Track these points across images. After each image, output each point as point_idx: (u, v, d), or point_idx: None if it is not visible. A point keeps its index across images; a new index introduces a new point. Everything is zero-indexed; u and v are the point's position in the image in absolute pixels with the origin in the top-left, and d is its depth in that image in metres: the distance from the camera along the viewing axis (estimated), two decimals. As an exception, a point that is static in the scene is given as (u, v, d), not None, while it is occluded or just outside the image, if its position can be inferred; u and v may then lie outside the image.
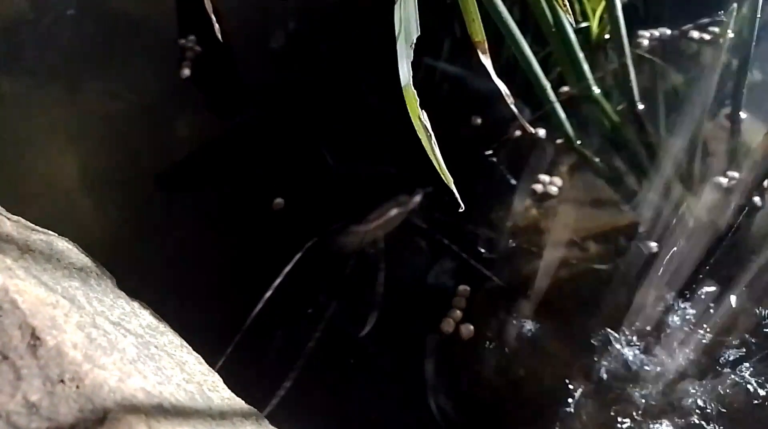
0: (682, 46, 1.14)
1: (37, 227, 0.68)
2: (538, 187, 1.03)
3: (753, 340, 0.85)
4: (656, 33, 1.17)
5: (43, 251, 0.64)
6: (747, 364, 0.83)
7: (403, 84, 0.65)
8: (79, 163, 1.09)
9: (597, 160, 1.05)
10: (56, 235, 0.70)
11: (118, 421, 0.49)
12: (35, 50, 1.26)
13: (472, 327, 0.89)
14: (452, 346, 0.89)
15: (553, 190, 1.03)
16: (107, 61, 1.25)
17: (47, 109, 1.17)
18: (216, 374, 0.66)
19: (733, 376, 0.83)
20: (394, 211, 1.01)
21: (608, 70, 1.12)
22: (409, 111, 0.64)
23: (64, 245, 0.68)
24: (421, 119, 0.65)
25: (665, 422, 0.80)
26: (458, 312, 0.91)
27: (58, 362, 0.52)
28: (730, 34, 1.09)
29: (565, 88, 1.09)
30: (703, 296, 0.90)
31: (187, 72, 1.22)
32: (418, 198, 1.03)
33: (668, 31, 1.17)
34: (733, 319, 0.87)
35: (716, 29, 1.12)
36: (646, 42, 1.16)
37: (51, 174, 1.08)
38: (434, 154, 0.65)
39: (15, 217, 0.68)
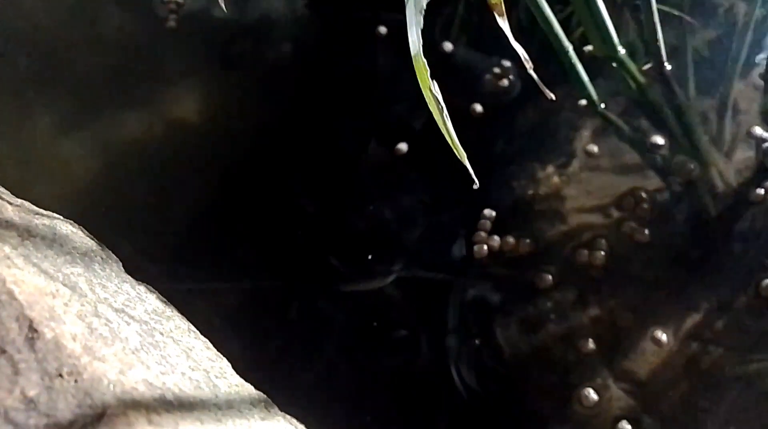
0: (714, 1, 1.09)
1: (41, 211, 0.67)
2: (561, 153, 1.00)
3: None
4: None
5: (46, 236, 0.63)
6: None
7: (413, 53, 0.62)
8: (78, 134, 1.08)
9: (622, 123, 1.01)
10: (61, 218, 0.68)
11: (118, 417, 0.48)
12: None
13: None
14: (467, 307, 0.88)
15: (577, 155, 0.99)
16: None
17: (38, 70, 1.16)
18: (224, 359, 0.65)
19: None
20: None
21: (634, 28, 1.07)
22: (419, 82, 0.61)
23: (68, 229, 0.67)
24: (432, 91, 0.62)
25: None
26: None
27: (56, 355, 0.51)
28: (766, -14, 1.03)
29: (588, 48, 1.05)
30: (729, 263, 0.87)
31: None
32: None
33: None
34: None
35: (751, -20, 1.07)
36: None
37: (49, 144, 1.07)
38: (446, 128, 0.63)
39: (18, 201, 0.67)
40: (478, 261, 0.93)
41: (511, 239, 0.93)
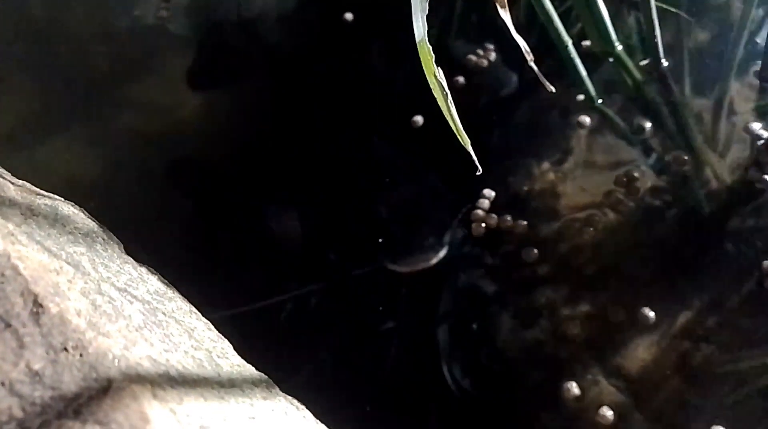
0: (712, -1, 1.10)
1: (42, 191, 0.67)
2: (557, 149, 1.00)
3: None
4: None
5: (48, 216, 0.63)
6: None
7: (417, 40, 0.62)
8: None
9: (619, 119, 1.01)
10: (62, 199, 0.68)
11: (123, 390, 0.48)
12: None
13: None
14: (467, 313, 0.87)
15: (573, 151, 1.00)
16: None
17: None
18: (226, 340, 0.65)
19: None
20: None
21: (631, 25, 1.08)
22: (424, 68, 0.61)
23: (69, 210, 0.66)
24: (436, 77, 0.62)
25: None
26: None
27: (61, 330, 0.51)
28: (762, -14, 1.04)
29: (586, 44, 1.06)
30: (721, 261, 0.87)
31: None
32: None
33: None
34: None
35: (747, -19, 1.08)
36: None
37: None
38: (450, 114, 0.63)
39: (20, 182, 0.67)
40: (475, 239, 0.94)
41: (508, 218, 0.94)
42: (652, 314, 0.84)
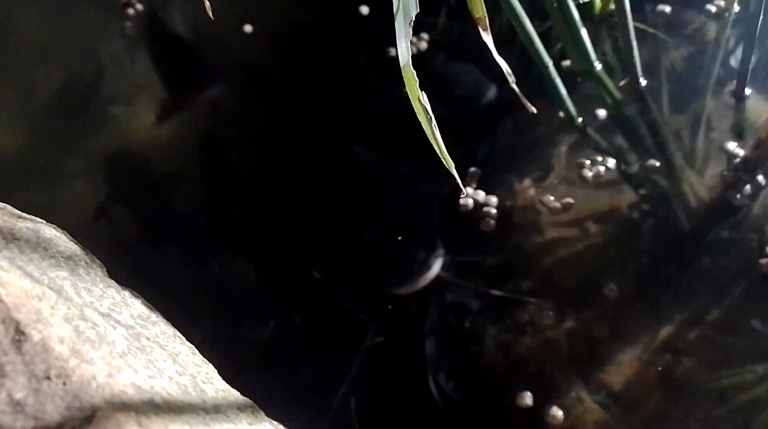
0: (687, 19, 1.11)
1: (24, 214, 0.66)
2: (538, 164, 1.01)
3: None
4: (660, 6, 1.13)
5: (30, 240, 0.62)
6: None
7: (402, 64, 0.62)
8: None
9: (598, 137, 1.02)
10: (44, 222, 0.67)
11: (107, 419, 0.47)
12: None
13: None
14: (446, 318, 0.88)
15: (554, 168, 1.00)
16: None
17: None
18: (210, 365, 0.64)
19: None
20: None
21: (610, 45, 1.09)
22: (408, 92, 0.62)
23: (51, 233, 0.66)
24: (420, 101, 0.62)
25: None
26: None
27: (43, 358, 0.50)
28: (737, 8, 1.06)
29: (566, 63, 1.07)
30: (701, 277, 0.89)
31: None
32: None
33: (671, 5, 1.14)
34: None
35: (722, 2, 1.09)
36: (649, 15, 1.12)
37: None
38: (434, 138, 0.63)
39: (0, 204, 0.66)
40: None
41: (494, 199, 0.97)
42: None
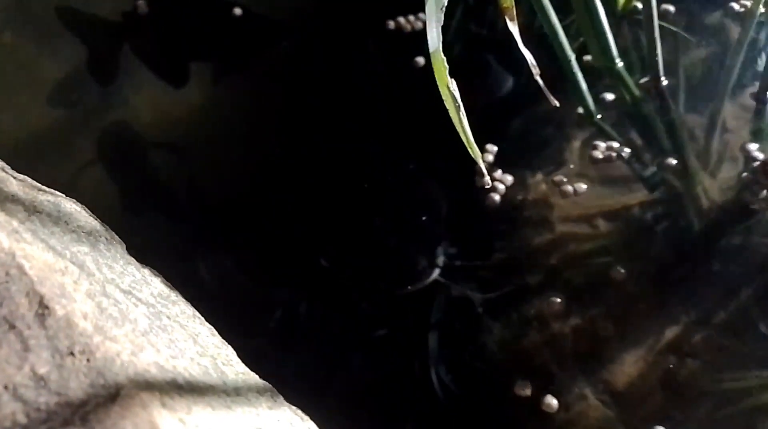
0: (711, 19, 1.10)
1: (44, 187, 0.65)
2: (552, 159, 1.01)
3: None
4: (682, 4, 1.13)
5: (51, 213, 0.61)
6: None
7: (431, 50, 0.62)
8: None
9: (615, 134, 1.02)
10: (63, 196, 0.67)
11: (131, 398, 0.46)
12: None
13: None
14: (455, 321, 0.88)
15: (567, 163, 1.00)
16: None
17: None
18: (229, 347, 0.64)
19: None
20: None
21: (631, 41, 1.09)
22: (437, 79, 0.61)
23: (72, 207, 0.65)
24: (449, 88, 0.62)
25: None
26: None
27: (67, 333, 0.49)
28: (762, 9, 1.05)
29: (587, 58, 1.06)
30: (711, 279, 0.88)
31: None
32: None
33: (694, 3, 1.13)
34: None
35: (748, 2, 1.08)
36: (671, 13, 1.12)
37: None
38: (462, 127, 0.63)
39: (21, 176, 0.65)
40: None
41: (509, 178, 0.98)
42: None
